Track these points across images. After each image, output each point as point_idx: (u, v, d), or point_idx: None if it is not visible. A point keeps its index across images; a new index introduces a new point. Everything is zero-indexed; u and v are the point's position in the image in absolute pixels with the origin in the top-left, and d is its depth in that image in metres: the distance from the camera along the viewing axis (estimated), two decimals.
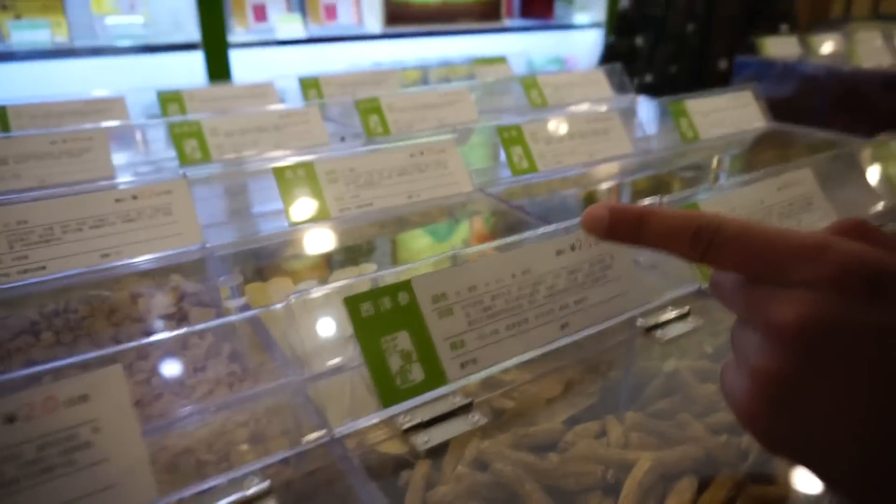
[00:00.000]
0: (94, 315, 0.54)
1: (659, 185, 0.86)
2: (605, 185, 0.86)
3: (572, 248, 0.45)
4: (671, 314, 0.50)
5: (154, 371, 0.48)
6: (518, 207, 0.70)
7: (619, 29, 2.04)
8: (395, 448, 0.43)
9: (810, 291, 0.26)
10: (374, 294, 0.37)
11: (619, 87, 1.18)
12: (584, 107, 1.12)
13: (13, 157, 0.71)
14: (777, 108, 1.07)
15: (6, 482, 0.27)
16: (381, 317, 0.37)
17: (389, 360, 0.36)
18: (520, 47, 2.47)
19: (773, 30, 1.74)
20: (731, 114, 0.98)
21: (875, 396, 0.25)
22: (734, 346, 0.30)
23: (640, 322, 0.49)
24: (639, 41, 1.93)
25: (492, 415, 0.46)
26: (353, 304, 0.36)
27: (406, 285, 0.38)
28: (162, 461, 0.40)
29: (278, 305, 0.39)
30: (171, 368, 0.48)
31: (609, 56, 2.02)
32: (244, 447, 0.39)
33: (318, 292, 0.37)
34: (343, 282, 0.37)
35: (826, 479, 0.28)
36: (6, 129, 0.93)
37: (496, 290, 0.41)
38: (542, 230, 0.44)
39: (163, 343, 0.43)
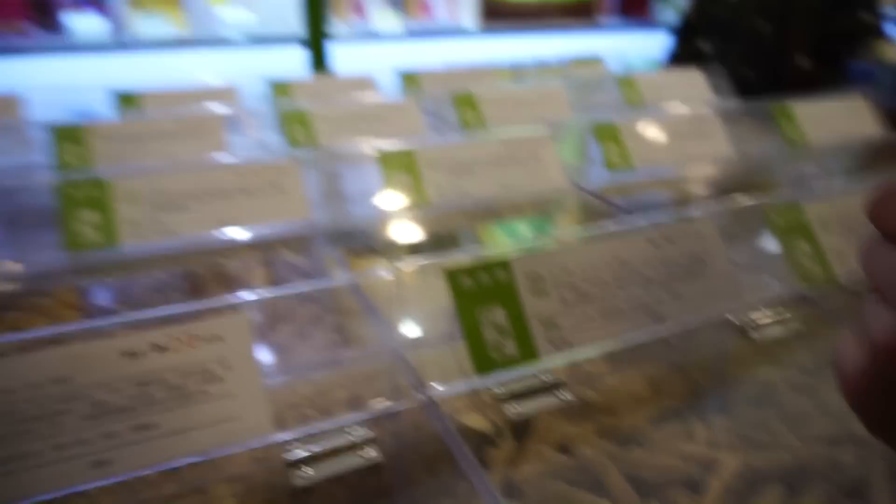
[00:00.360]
0: (212, 279, 0.60)
1: (759, 188, 0.83)
2: (702, 186, 0.84)
3: (669, 241, 0.45)
4: (769, 317, 0.50)
5: (260, 334, 0.52)
6: (612, 203, 0.70)
7: (682, 34, 1.92)
8: (480, 423, 0.45)
9: None
10: (475, 269, 0.39)
11: (719, 89, 1.15)
12: (681, 107, 1.09)
13: (146, 136, 0.79)
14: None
15: (156, 401, 0.31)
16: (479, 291, 0.39)
17: (485, 332, 0.38)
18: (616, 47, 2.43)
19: (856, 22, 1.60)
20: (840, 120, 0.94)
21: None
22: (862, 321, 0.29)
23: (735, 322, 0.48)
24: (705, 45, 1.81)
25: (578, 404, 0.47)
26: (454, 276, 0.39)
27: (505, 263, 0.40)
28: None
29: (383, 273, 0.41)
30: (276, 332, 0.53)
31: (672, 63, 1.91)
32: (345, 405, 0.42)
33: (421, 263, 0.40)
34: (445, 256, 0.40)
35: None
36: (139, 110, 1.02)
37: (591, 275, 0.42)
38: (640, 222, 0.45)
39: (274, 303, 0.47)
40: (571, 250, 0.42)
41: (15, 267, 0.51)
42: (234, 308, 0.35)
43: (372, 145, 0.71)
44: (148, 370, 0.31)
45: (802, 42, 1.63)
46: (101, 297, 0.54)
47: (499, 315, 0.39)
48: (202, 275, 0.58)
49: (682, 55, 1.84)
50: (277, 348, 0.49)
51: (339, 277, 0.52)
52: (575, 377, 0.46)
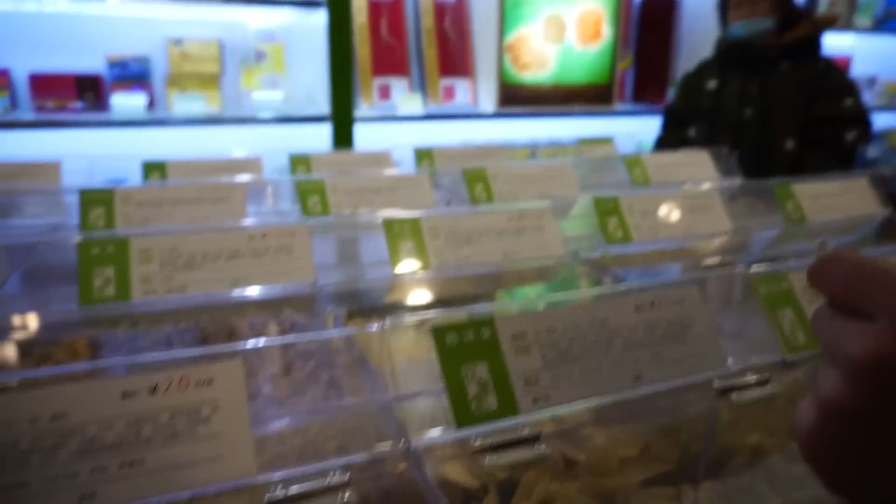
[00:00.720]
0: (217, 335, 0.62)
1: (756, 261, 0.84)
2: (700, 259, 0.86)
3: (652, 305, 0.47)
4: (752, 382, 0.50)
5: (258, 387, 0.54)
6: (609, 272, 0.72)
7: (668, 124, 2.01)
8: (466, 478, 0.45)
9: (890, 326, 0.26)
10: (460, 326, 0.41)
11: (726, 170, 1.19)
12: (687, 187, 1.12)
13: (168, 201, 0.84)
14: None
15: (143, 440, 0.32)
16: (463, 347, 0.41)
17: (467, 386, 0.40)
18: (630, 131, 2.50)
19: (837, 105, 1.67)
20: (842, 200, 0.95)
21: None
22: (816, 381, 0.30)
23: (716, 384, 0.49)
24: (691, 133, 1.89)
25: (564, 464, 0.47)
26: (439, 333, 0.40)
27: (489, 321, 0.42)
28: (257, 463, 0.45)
29: (374, 327, 0.43)
30: (273, 384, 0.54)
31: (658, 150, 1.98)
32: (333, 456, 0.43)
33: (410, 319, 0.42)
34: (433, 313, 0.42)
35: None
36: (164, 178, 1.08)
37: (573, 335, 0.43)
38: (623, 285, 0.47)
39: (272, 358, 0.49)
40: (555, 311, 0.44)
41: (30, 318, 0.54)
42: (229, 355, 0.37)
43: (380, 214, 0.74)
44: (140, 409, 0.33)
45: (784, 127, 1.71)
46: (109, 348, 0.56)
47: (482, 370, 0.41)
48: (209, 330, 0.60)
49: (669, 142, 1.92)
50: (272, 400, 0.50)
51: (333, 332, 0.54)
52: (561, 436, 0.47)
